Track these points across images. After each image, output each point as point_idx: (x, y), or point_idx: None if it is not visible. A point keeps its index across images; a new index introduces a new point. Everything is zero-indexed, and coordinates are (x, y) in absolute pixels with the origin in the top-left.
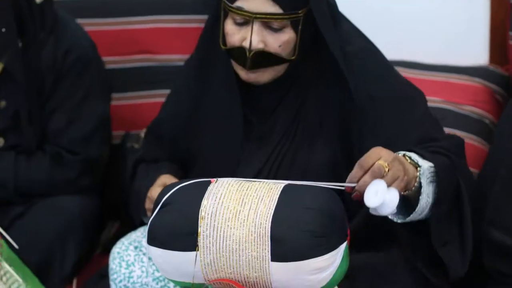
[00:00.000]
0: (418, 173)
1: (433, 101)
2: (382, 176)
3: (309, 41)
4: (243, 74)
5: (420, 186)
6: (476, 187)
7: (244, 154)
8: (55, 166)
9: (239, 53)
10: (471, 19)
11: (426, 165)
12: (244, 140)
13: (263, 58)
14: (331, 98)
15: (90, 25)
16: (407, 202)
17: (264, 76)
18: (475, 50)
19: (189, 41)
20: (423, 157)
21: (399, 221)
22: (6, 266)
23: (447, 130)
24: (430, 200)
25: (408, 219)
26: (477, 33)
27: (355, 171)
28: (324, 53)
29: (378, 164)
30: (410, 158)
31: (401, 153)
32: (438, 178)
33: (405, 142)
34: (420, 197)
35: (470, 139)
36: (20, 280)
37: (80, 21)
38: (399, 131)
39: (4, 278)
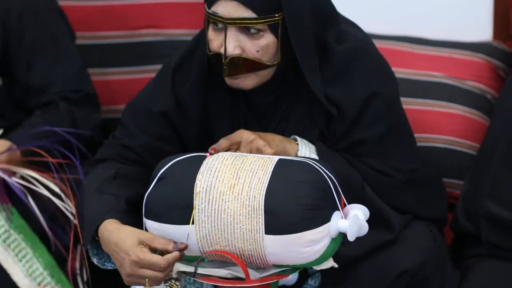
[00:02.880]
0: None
1: (436, 76)
2: (240, 140)
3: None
4: (226, 80)
5: None
6: (475, 161)
7: None
8: (70, 115)
9: (216, 59)
10: None
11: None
12: None
13: (241, 64)
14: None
15: None
16: None
17: (247, 82)
18: (479, 26)
19: (196, 15)
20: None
21: None
22: (15, 234)
23: (450, 105)
24: None
25: None
26: (481, 9)
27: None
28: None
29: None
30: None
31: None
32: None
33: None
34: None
35: (472, 114)
36: (28, 248)
37: None
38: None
39: (12, 246)
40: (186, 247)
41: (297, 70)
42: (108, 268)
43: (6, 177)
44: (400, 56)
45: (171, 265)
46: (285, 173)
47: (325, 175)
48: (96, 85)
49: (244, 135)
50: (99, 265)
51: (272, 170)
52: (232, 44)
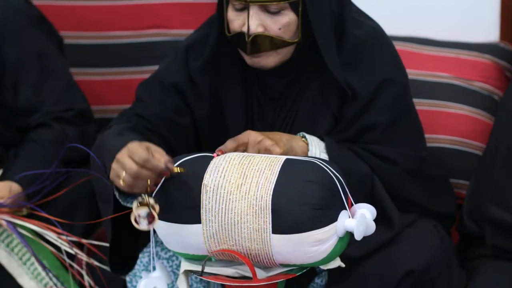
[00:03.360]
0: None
1: (443, 77)
2: (247, 141)
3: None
4: (247, 59)
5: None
6: (480, 163)
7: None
8: (58, 141)
9: (239, 38)
10: None
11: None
12: (259, 127)
13: (263, 42)
14: (339, 82)
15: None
16: None
17: (268, 60)
18: (486, 27)
19: (201, 15)
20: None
21: None
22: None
23: (457, 105)
24: None
25: None
26: (488, 10)
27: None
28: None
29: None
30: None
31: (301, 134)
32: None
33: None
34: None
35: (479, 115)
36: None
37: None
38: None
39: (15, 250)
40: (171, 170)
41: (313, 52)
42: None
43: (11, 227)
44: (407, 57)
45: (146, 161)
46: (292, 173)
47: (332, 174)
48: (102, 85)
49: (251, 136)
50: (120, 200)
51: (279, 169)
52: (255, 22)
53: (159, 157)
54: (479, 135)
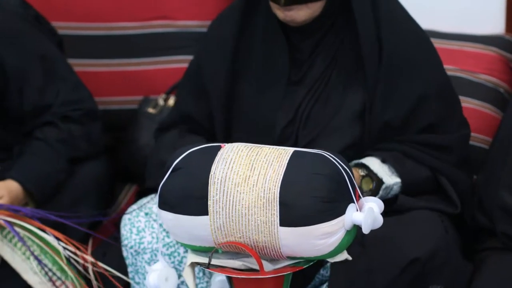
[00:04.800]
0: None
1: (448, 69)
2: None
3: None
4: (279, 13)
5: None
6: (489, 152)
7: (283, 99)
8: (64, 140)
9: None
10: None
11: (390, 182)
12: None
13: None
14: (368, 38)
15: None
16: None
17: (300, 14)
18: (491, 19)
19: (208, 7)
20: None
21: None
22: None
23: (462, 98)
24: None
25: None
26: (493, 1)
27: None
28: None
29: None
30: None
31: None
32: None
33: (414, 125)
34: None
35: (484, 108)
36: (35, 246)
37: None
38: (415, 108)
39: (18, 245)
40: None
41: (343, 10)
42: None
43: (9, 226)
44: None
45: None
46: (300, 165)
47: (340, 167)
48: (108, 76)
49: None
50: None
51: (287, 162)
52: None
53: None
54: (484, 128)
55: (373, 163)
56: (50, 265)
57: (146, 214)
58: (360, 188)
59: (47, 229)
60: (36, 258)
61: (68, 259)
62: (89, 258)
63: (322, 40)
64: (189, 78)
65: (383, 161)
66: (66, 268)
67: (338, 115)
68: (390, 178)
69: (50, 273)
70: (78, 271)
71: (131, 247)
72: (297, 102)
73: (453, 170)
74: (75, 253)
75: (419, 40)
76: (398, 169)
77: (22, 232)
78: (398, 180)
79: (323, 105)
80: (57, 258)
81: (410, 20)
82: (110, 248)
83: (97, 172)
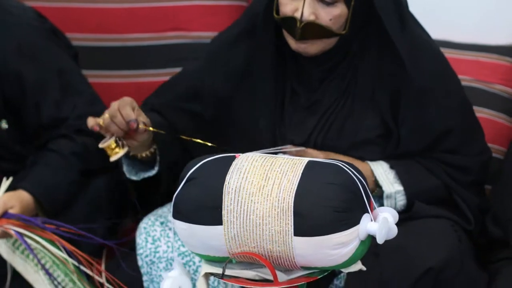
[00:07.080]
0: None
1: (463, 79)
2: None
3: (362, 16)
4: (293, 43)
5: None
6: (504, 164)
7: (293, 124)
8: (77, 153)
9: (290, 23)
10: None
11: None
12: (291, 110)
13: (313, 30)
14: (383, 69)
15: (123, 2)
16: None
17: (313, 47)
18: (506, 29)
19: (222, 18)
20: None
21: None
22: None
23: (477, 108)
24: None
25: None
26: (508, 11)
27: None
28: (375, 27)
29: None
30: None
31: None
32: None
33: (435, 150)
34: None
35: (499, 118)
36: (47, 257)
37: None
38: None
39: (31, 256)
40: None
41: (356, 42)
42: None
43: (19, 237)
44: None
45: (123, 108)
46: (314, 175)
47: (354, 177)
48: (122, 87)
49: (313, 154)
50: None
51: (301, 171)
52: (309, 10)
53: (137, 113)
54: (499, 138)
55: (378, 167)
56: (62, 276)
57: (162, 223)
58: None
59: (60, 240)
60: (46, 271)
61: (79, 269)
62: (103, 276)
63: (334, 69)
64: (181, 82)
65: (391, 167)
66: (77, 281)
67: (355, 139)
68: (391, 186)
69: (62, 284)
70: (91, 281)
71: (146, 256)
72: (310, 127)
73: (461, 189)
74: (88, 267)
75: (443, 68)
76: (402, 178)
77: (33, 244)
78: (400, 188)
79: (339, 128)
80: (68, 271)
81: (433, 44)
82: (127, 258)
83: (111, 185)
